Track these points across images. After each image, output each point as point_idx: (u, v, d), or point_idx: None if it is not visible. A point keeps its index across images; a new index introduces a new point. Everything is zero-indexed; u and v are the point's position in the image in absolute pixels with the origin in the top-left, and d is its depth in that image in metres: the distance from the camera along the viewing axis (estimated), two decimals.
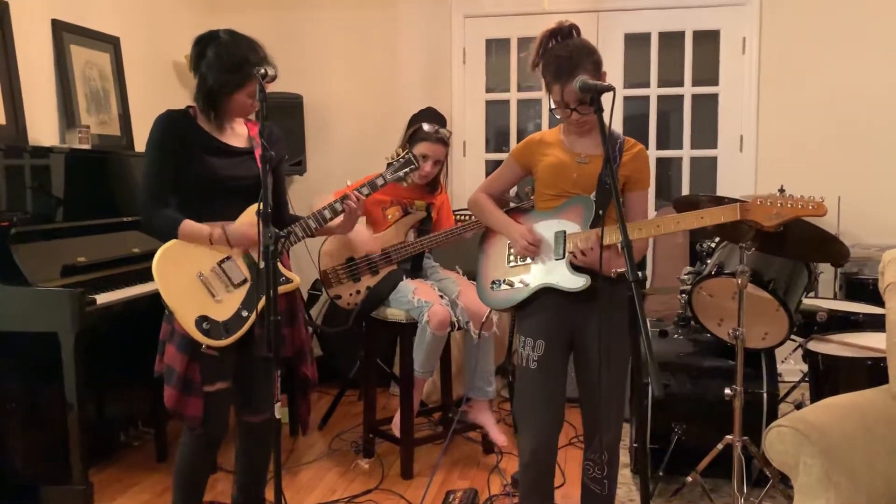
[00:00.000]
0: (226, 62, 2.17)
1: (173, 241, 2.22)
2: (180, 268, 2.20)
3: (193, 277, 2.21)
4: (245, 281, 2.28)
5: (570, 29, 2.17)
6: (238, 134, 2.34)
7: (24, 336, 2.73)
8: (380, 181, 2.48)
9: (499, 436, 3.26)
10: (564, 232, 2.19)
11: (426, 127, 3.22)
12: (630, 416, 3.16)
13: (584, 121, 2.14)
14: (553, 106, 2.16)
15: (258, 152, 2.25)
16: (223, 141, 2.28)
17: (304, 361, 2.49)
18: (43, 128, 3.42)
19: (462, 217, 4.02)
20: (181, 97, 4.51)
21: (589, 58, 2.10)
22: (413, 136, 3.22)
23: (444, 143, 3.25)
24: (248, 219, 2.22)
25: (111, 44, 3.89)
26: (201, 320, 2.18)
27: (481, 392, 3.27)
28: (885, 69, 4.21)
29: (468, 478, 3.19)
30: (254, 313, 2.24)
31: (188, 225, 2.21)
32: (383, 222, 3.28)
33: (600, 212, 2.14)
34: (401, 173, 2.51)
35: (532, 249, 2.22)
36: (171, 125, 2.23)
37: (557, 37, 2.17)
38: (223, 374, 2.27)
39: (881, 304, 2.21)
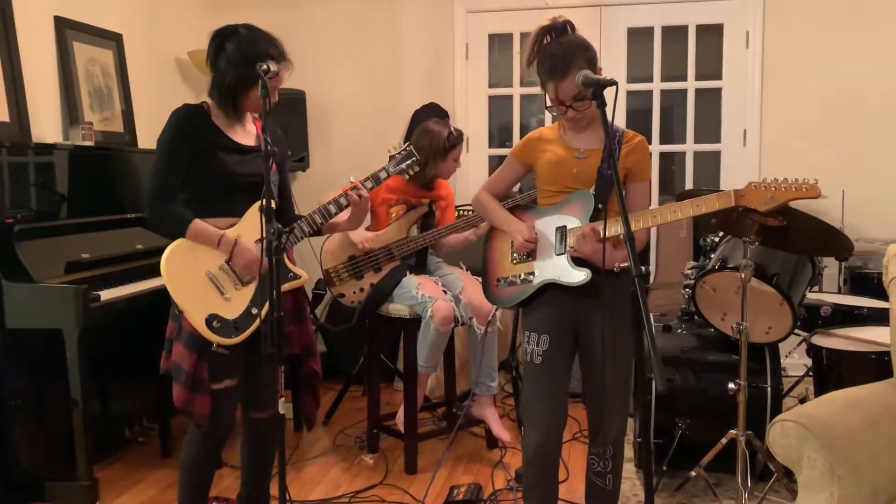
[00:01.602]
0: (248, 55, 2.16)
1: (180, 240, 2.21)
2: (189, 267, 2.20)
3: (202, 276, 2.21)
4: (253, 278, 2.28)
5: (563, 25, 2.15)
6: (248, 132, 2.34)
7: (28, 333, 2.74)
8: (383, 174, 2.48)
9: (502, 431, 3.27)
10: (565, 227, 2.20)
11: (454, 132, 3.26)
12: (634, 411, 3.17)
13: (579, 117, 2.14)
14: (549, 103, 2.16)
15: None
16: (234, 138, 2.28)
17: (312, 357, 2.50)
18: (46, 125, 3.43)
19: (464, 212, 4.02)
20: (184, 93, 4.52)
21: (583, 54, 2.08)
22: (447, 145, 3.22)
23: (463, 137, 3.37)
24: (254, 229, 2.21)
25: (114, 41, 3.90)
26: (211, 319, 2.18)
27: (485, 387, 3.28)
28: (889, 63, 4.20)
29: (472, 473, 3.19)
30: (263, 310, 2.24)
31: (198, 225, 2.20)
32: (387, 220, 3.28)
33: (599, 205, 2.14)
34: (403, 166, 2.51)
35: (530, 246, 2.22)
36: (186, 119, 2.22)
37: (551, 33, 2.14)
38: (231, 372, 2.27)
39: (885, 298, 2.21)
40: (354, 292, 3.23)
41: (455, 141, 3.25)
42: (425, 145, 3.19)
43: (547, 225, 2.24)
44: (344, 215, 2.45)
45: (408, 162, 2.51)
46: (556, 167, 2.21)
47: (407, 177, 2.55)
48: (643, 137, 2.25)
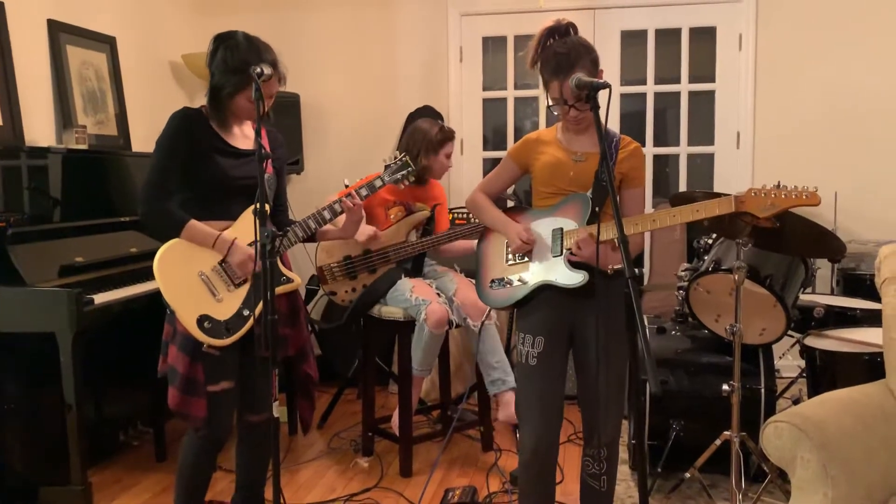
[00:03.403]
0: (229, 64, 2.17)
1: (174, 240, 2.22)
2: (182, 267, 2.20)
3: (195, 276, 2.21)
4: (245, 280, 2.28)
5: (567, 27, 2.19)
6: (247, 136, 2.35)
7: (22, 336, 2.72)
8: (378, 182, 2.50)
9: None
10: (562, 229, 2.20)
11: (445, 127, 3.30)
12: (628, 413, 3.17)
13: (581, 118, 2.15)
14: (551, 103, 2.17)
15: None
16: (231, 142, 2.29)
17: (306, 360, 2.50)
18: (39, 128, 3.42)
19: (461, 215, 4.03)
20: (178, 97, 4.52)
21: (588, 55, 2.12)
22: (438, 140, 3.25)
23: (455, 134, 3.39)
24: (249, 231, 2.21)
25: (107, 44, 3.89)
26: (202, 319, 2.18)
27: (501, 383, 3.17)
28: (882, 65, 4.22)
29: (467, 475, 3.19)
30: (255, 312, 2.24)
31: (194, 225, 2.21)
32: (385, 222, 3.28)
33: (597, 208, 2.15)
34: (398, 175, 2.52)
35: (528, 247, 2.23)
36: (184, 122, 2.23)
37: (555, 35, 2.18)
38: (227, 374, 2.27)
39: (878, 299, 2.22)
40: (346, 291, 3.23)
41: (446, 135, 3.28)
42: (418, 139, 3.25)
43: (543, 227, 2.25)
44: (339, 220, 2.46)
45: (403, 172, 2.52)
46: (553, 169, 2.22)
47: (402, 186, 2.56)
48: (639, 144, 2.27)
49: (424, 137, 3.24)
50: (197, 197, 2.25)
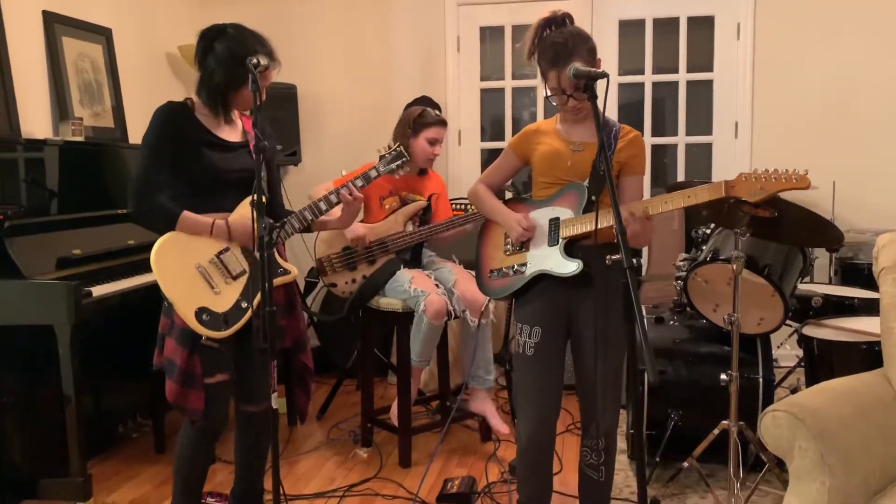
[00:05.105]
0: (237, 56, 2.16)
1: (171, 232, 2.21)
2: (179, 260, 2.20)
3: (192, 269, 2.21)
4: (244, 272, 2.28)
5: (563, 17, 2.19)
6: (235, 127, 2.34)
7: (20, 329, 2.72)
8: (373, 173, 2.50)
9: (500, 424, 3.27)
10: (558, 219, 2.21)
11: (430, 111, 3.28)
12: (626, 403, 3.17)
13: (579, 107, 2.15)
14: (549, 93, 2.17)
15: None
16: (219, 135, 2.28)
17: (303, 351, 2.50)
18: (36, 120, 3.41)
19: (459, 206, 4.02)
20: (174, 88, 4.50)
21: (584, 44, 2.11)
22: (417, 122, 3.24)
23: (446, 124, 3.34)
24: (247, 212, 2.22)
25: (103, 35, 3.87)
26: (201, 312, 2.18)
27: (480, 381, 3.27)
28: (880, 54, 4.21)
29: (466, 465, 3.20)
30: (253, 304, 2.25)
31: (188, 216, 2.21)
32: (380, 212, 3.28)
33: (593, 197, 2.15)
34: (393, 166, 2.52)
35: (528, 234, 2.23)
36: (170, 116, 2.23)
37: (551, 25, 2.18)
38: (223, 366, 2.27)
39: (876, 288, 2.22)
40: (346, 283, 3.23)
41: (428, 119, 3.25)
42: (401, 121, 3.27)
43: (541, 216, 2.26)
44: (335, 212, 2.45)
45: (397, 162, 2.52)
46: (551, 159, 2.22)
47: (397, 176, 2.56)
48: (639, 133, 2.27)
49: (406, 119, 3.25)
50: (189, 191, 2.25)
